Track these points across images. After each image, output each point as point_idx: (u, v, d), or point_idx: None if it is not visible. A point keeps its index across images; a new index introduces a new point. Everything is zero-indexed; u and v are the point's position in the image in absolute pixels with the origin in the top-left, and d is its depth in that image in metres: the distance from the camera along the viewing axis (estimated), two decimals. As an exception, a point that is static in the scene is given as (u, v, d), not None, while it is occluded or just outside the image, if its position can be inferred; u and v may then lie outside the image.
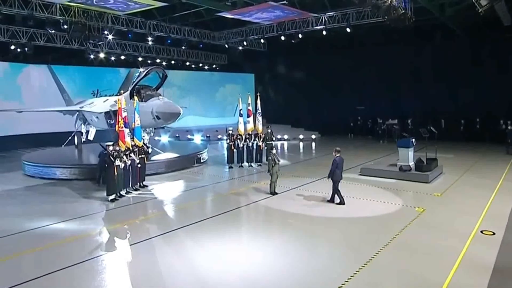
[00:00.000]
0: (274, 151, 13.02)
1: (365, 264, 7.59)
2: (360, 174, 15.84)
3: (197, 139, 27.92)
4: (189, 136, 28.41)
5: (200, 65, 33.97)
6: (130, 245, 8.90)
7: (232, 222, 10.63)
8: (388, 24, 19.73)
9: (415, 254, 8.09)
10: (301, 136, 28.53)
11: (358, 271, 7.30)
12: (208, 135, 28.90)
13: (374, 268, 7.46)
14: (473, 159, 19.11)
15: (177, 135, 28.59)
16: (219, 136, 28.74)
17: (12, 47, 22.66)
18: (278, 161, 13.00)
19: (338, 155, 11.79)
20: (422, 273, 7.23)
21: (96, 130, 19.80)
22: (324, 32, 23.32)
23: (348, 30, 22.16)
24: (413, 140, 15.54)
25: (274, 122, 27.11)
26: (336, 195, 11.81)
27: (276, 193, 12.98)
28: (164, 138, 27.12)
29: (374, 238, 9.02)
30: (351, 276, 7.09)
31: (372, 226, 9.94)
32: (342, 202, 11.71)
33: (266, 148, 18.61)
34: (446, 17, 22.38)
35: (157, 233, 9.54)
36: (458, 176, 15.45)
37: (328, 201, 11.98)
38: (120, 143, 12.96)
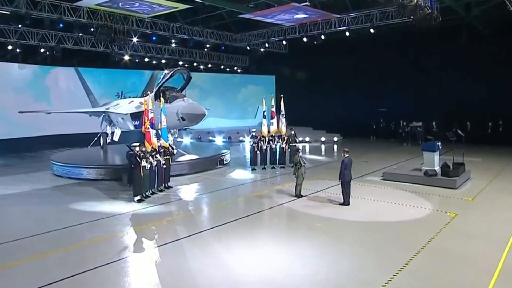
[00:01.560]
0: (299, 153, 12.76)
1: (400, 270, 7.27)
2: (382, 179, 15.28)
3: (219, 140, 27.86)
4: (210, 138, 28.40)
5: (222, 67, 33.99)
6: (158, 246, 8.80)
7: (258, 224, 10.47)
8: (413, 25, 19.31)
9: (451, 261, 7.73)
10: (322, 139, 28.15)
11: (393, 277, 7.00)
12: (229, 136, 28.82)
13: (410, 274, 7.15)
14: (502, 163, 18.38)
15: (198, 136, 28.63)
16: (241, 138, 28.63)
17: (42, 50, 23.09)
18: (304, 163, 12.76)
19: (347, 155, 11.74)
20: (461, 281, 6.88)
21: (121, 132, 19.94)
22: (347, 33, 22.96)
23: (371, 30, 21.74)
24: (439, 143, 14.96)
25: (295, 124, 26.72)
26: (343, 195, 11.72)
27: (302, 196, 12.74)
28: (186, 140, 27.16)
29: (406, 243, 8.69)
30: (387, 282, 6.79)
31: (402, 231, 9.59)
32: (346, 203, 11.61)
33: (289, 150, 18.42)
34: (472, 16, 21.75)
35: (184, 235, 9.44)
36: (487, 181, 14.78)
37: (341, 204, 11.78)
38: (146, 144, 12.93)
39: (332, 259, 7.95)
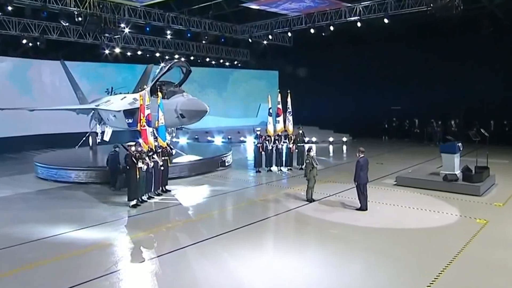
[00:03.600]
0: (312, 153, 12.54)
1: (433, 281, 7.06)
2: (396, 184, 14.90)
3: (218, 141, 27.65)
4: (209, 138, 28.17)
5: (221, 61, 33.79)
6: (159, 255, 8.55)
7: (267, 232, 10.31)
8: (431, 14, 19.19)
9: (488, 272, 7.52)
10: (330, 139, 27.96)
11: (426, 290, 6.78)
12: (229, 136, 28.60)
13: (446, 286, 6.91)
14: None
15: (196, 136, 28.41)
16: (242, 138, 28.41)
17: (24, 41, 22.81)
18: (316, 164, 12.54)
19: (363, 155, 11.58)
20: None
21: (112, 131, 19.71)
22: (358, 24, 22.76)
23: (385, 21, 21.55)
24: (460, 144, 14.55)
25: (300, 123, 26.62)
26: (360, 199, 11.54)
27: (314, 200, 12.51)
28: (183, 140, 26.91)
29: (437, 252, 8.49)
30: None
31: (429, 239, 9.39)
32: (363, 208, 11.46)
33: (297, 150, 18.21)
34: (495, 4, 21.62)
35: (186, 243, 9.23)
36: (516, 185, 14.56)
37: (358, 209, 11.59)
38: (143, 143, 12.69)
39: (354, 270, 7.72)
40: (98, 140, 20.64)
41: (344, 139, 28.25)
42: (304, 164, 12.61)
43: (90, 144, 20.98)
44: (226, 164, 18.65)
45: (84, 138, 20.95)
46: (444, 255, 8.19)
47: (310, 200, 12.52)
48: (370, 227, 10.28)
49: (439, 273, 7.36)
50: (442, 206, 11.96)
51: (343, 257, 8.32)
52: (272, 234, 10.36)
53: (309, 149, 12.71)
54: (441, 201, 12.52)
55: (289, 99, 18.69)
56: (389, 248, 8.82)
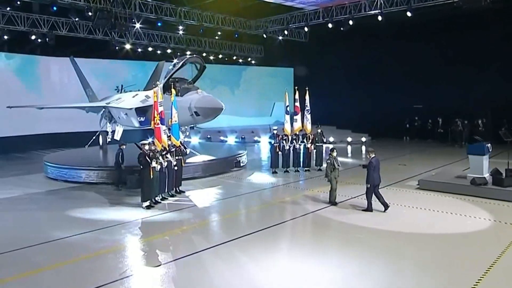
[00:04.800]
0: (334, 153, 12.34)
1: (470, 291, 6.81)
2: (418, 188, 14.52)
3: (231, 140, 27.55)
4: (221, 138, 28.09)
5: (234, 58, 33.73)
6: (175, 259, 8.42)
7: (288, 235, 10.19)
8: (458, 6, 18.81)
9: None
10: (349, 139, 27.71)
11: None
12: (243, 136, 28.48)
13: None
14: None
15: (208, 136, 28.36)
16: (256, 138, 28.27)
17: (33, 37, 22.97)
18: (338, 165, 12.34)
19: (374, 155, 11.65)
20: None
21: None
22: (379, 18, 22.45)
23: (408, 14, 21.24)
24: (489, 145, 14.17)
25: (318, 122, 26.40)
26: (367, 200, 11.62)
27: (336, 203, 12.30)
28: (195, 140, 26.87)
29: (470, 259, 8.22)
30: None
31: (463, 245, 9.11)
32: (369, 209, 11.56)
33: (315, 151, 18.00)
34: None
35: (204, 246, 9.07)
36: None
37: (364, 210, 11.67)
38: (156, 141, 12.60)
39: (381, 278, 7.48)
40: (109, 140, 20.66)
41: (363, 139, 27.97)
42: (325, 164, 12.40)
43: (101, 143, 21.05)
44: (241, 164, 18.54)
45: (94, 137, 20.99)
46: (479, 263, 7.92)
47: (334, 203, 12.34)
48: (397, 231, 10.03)
49: (477, 282, 7.10)
50: (472, 210, 11.65)
51: (369, 263, 8.09)
52: (292, 238, 10.20)
53: (332, 149, 12.52)
54: (471, 204, 12.23)
55: (307, 97, 18.47)
56: (418, 255, 8.57)
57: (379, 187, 11.74)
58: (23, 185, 15.68)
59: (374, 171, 11.40)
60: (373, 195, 11.56)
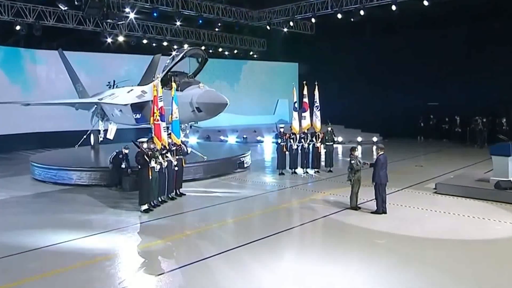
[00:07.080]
0: (356, 153, 12.19)
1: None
2: (436, 192, 14.28)
3: (232, 140, 27.46)
4: (222, 137, 28.00)
5: (235, 51, 33.67)
6: (181, 266, 8.27)
7: (300, 241, 10.17)
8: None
9: None
10: (359, 139, 27.64)
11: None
12: (244, 136, 28.38)
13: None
14: None
15: (207, 135, 28.27)
16: (259, 138, 28.18)
17: (17, 27, 22.76)
18: (362, 167, 12.17)
19: (382, 152, 11.81)
20: None
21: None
22: (393, 7, 22.32)
23: (425, 3, 21.15)
24: None
25: (323, 122, 26.34)
26: (377, 201, 11.71)
27: (359, 208, 12.15)
28: (193, 139, 26.72)
29: (504, 268, 8.11)
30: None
31: (495, 252, 9.00)
32: (379, 211, 11.62)
33: (325, 150, 17.88)
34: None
35: (210, 253, 8.92)
36: None
37: (374, 212, 11.72)
38: (156, 139, 12.44)
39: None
40: (101, 139, 20.51)
41: (375, 139, 27.92)
42: (349, 165, 12.25)
43: (92, 143, 20.85)
44: (245, 165, 18.45)
45: (85, 137, 20.78)
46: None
47: (355, 207, 12.16)
48: (422, 237, 9.90)
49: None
50: (499, 214, 11.51)
51: (392, 271, 7.97)
52: (304, 244, 10.08)
53: (353, 149, 12.41)
54: (498, 208, 12.10)
55: (316, 92, 18.35)
56: (446, 262, 8.43)
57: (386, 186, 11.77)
58: (9, 187, 15.60)
59: (381, 169, 11.54)
60: (375, 194, 11.67)
